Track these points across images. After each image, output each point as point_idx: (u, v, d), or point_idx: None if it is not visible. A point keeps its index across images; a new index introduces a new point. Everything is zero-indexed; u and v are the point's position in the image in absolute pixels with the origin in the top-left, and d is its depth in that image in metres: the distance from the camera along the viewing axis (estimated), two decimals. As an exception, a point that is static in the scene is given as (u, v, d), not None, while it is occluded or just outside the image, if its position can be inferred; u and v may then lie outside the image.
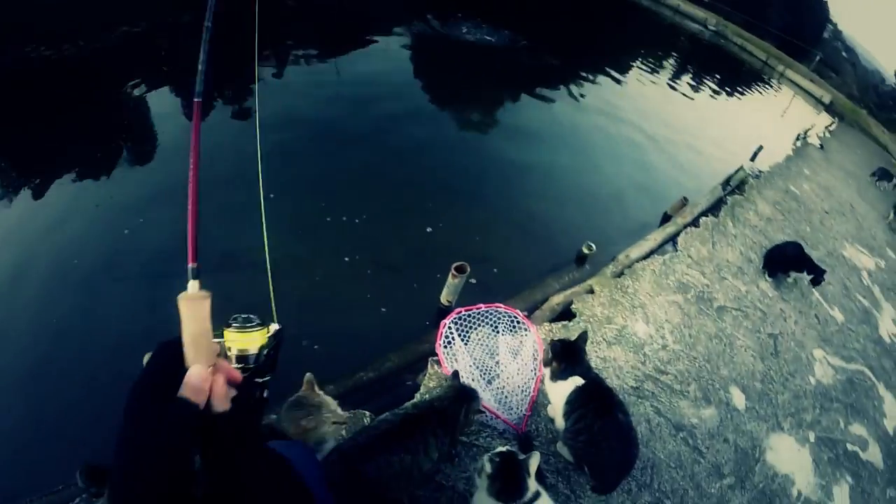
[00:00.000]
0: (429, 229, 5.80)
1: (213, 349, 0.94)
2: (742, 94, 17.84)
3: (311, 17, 11.36)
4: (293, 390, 2.57)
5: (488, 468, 2.50)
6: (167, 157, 6.12)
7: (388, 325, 4.67)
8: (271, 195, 5.19)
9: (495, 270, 5.49)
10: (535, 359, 4.02)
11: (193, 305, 0.93)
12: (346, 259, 5.21)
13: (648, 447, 3.79)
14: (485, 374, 3.87)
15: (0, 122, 6.50)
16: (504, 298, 4.67)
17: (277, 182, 5.64)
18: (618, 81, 13.58)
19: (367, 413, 3.41)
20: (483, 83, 10.73)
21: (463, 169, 7.26)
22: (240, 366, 1.08)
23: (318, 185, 6.11)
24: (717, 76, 18.33)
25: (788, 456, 4.34)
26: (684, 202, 7.38)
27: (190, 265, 1.00)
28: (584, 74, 12.89)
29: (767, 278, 6.34)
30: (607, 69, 13.72)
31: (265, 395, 1.17)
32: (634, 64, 15.65)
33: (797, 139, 13.18)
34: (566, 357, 3.30)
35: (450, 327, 4.02)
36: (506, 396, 3.72)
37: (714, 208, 7.74)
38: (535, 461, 2.54)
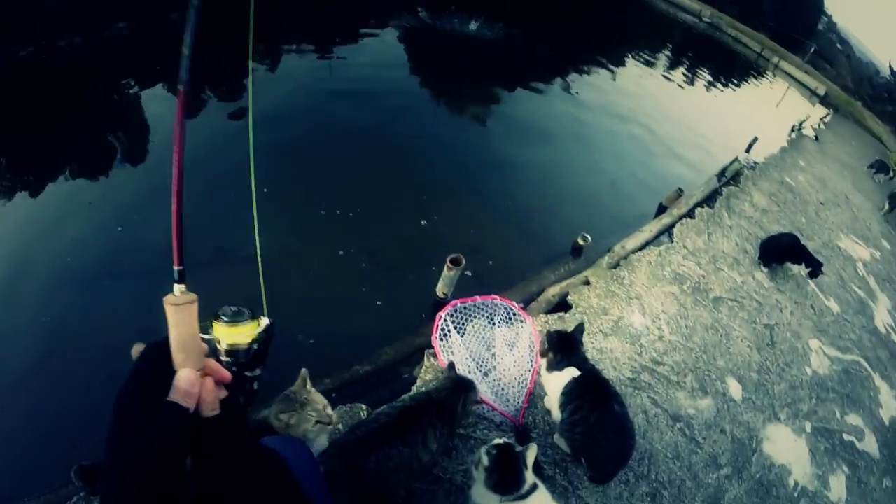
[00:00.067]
0: (423, 222, 5.78)
1: (201, 352, 0.92)
2: (737, 85, 17.87)
3: (304, 11, 11.28)
4: (288, 385, 2.56)
5: (485, 461, 2.49)
6: (160, 155, 6.06)
7: (384, 319, 4.66)
8: (265, 189, 5.16)
9: (490, 262, 5.47)
10: (532, 350, 4.00)
11: (180, 310, 0.90)
12: (341, 252, 5.18)
13: (645, 438, 3.79)
14: (481, 366, 3.86)
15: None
16: (500, 290, 4.65)
17: (271, 176, 5.61)
18: (612, 73, 13.57)
19: (364, 406, 3.39)
20: (477, 76, 10.69)
21: (457, 161, 7.23)
22: (230, 359, 1.06)
23: (311, 179, 6.08)
24: (712, 68, 18.35)
25: (785, 446, 4.35)
26: (679, 193, 7.37)
27: (175, 268, 0.96)
28: (577, 66, 12.87)
29: (763, 269, 6.34)
30: (601, 61, 13.70)
31: (255, 387, 1.15)
32: (629, 56, 15.63)
33: (792, 130, 13.19)
34: (562, 348, 3.29)
35: (446, 320, 4.00)
36: (502, 388, 3.71)
37: (709, 199, 7.73)
38: (532, 453, 2.53)
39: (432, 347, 3.85)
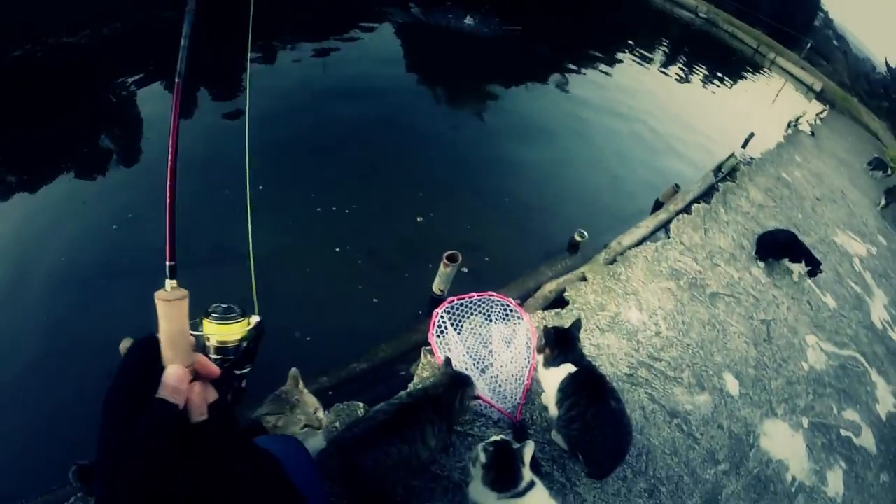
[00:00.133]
0: (420, 219, 5.76)
1: (190, 348, 0.91)
2: (733, 81, 17.88)
3: (297, 9, 11.25)
4: (282, 383, 2.55)
5: (482, 458, 2.49)
6: (155, 153, 6.02)
7: (381, 316, 4.64)
8: (260, 187, 5.14)
9: (487, 259, 5.45)
10: (529, 347, 4.00)
11: (171, 305, 0.89)
12: (337, 250, 5.16)
13: (643, 434, 3.79)
14: (478, 363, 3.85)
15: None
16: (496, 287, 4.63)
17: (267, 174, 5.58)
18: (609, 70, 13.55)
19: (361, 404, 3.38)
20: (472, 72, 10.67)
21: (453, 158, 7.22)
22: (219, 357, 1.05)
23: (307, 176, 6.06)
24: (708, 64, 18.35)
25: (782, 441, 4.35)
26: (676, 189, 7.37)
27: (167, 263, 0.96)
28: (573, 62, 12.85)
29: (759, 264, 6.34)
30: (597, 57, 13.70)
31: (244, 386, 1.14)
32: (625, 51, 15.62)
33: (788, 126, 13.22)
34: (559, 344, 3.28)
35: (442, 317, 4.00)
36: (500, 385, 3.70)
37: (706, 195, 7.73)
38: (529, 450, 2.52)
39: (429, 344, 3.84)
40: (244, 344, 1.09)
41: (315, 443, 2.54)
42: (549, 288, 4.91)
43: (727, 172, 8.58)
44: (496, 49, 12.23)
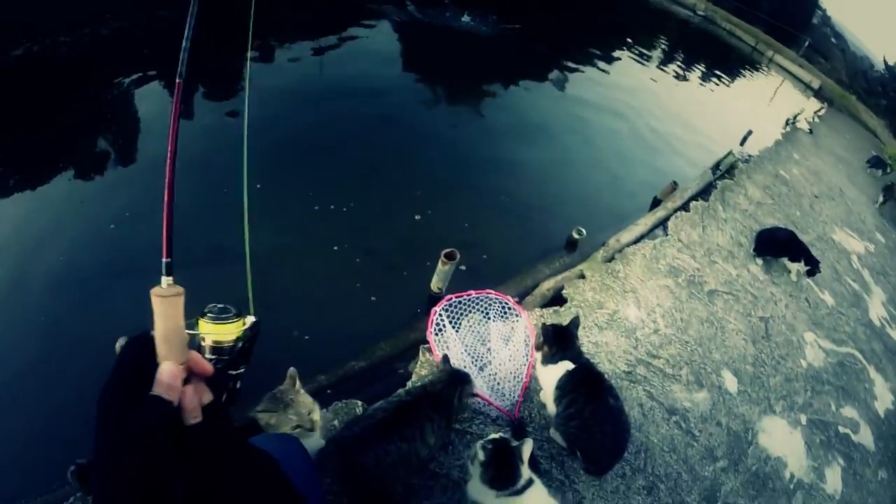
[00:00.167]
0: (417, 217, 5.75)
1: (185, 345, 0.91)
2: (731, 79, 17.86)
3: (294, 8, 11.23)
4: (280, 382, 2.55)
5: (481, 456, 2.49)
6: (152, 153, 6.00)
7: (379, 314, 4.64)
8: (258, 185, 5.14)
9: (485, 257, 5.45)
10: (527, 345, 4.00)
11: (167, 302, 0.90)
12: (336, 248, 5.16)
13: (641, 431, 3.79)
14: (476, 360, 3.85)
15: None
16: (495, 284, 4.64)
17: (265, 173, 5.58)
18: (606, 67, 13.53)
19: (360, 403, 3.38)
20: (470, 71, 10.65)
21: (451, 156, 7.21)
22: (214, 357, 1.06)
23: (305, 175, 6.04)
24: (707, 61, 18.35)
25: (781, 438, 4.36)
26: (674, 186, 7.37)
27: (164, 260, 0.96)
28: (572, 61, 12.83)
29: (757, 261, 6.34)
30: (596, 55, 13.68)
31: (238, 386, 1.15)
32: (623, 49, 15.60)
33: (786, 124, 13.23)
34: (557, 341, 3.28)
35: (440, 314, 4.00)
36: (498, 383, 3.70)
37: (704, 192, 7.73)
38: (527, 448, 2.53)
39: (427, 342, 3.84)
40: (240, 344, 1.10)
41: (314, 442, 2.55)
42: (548, 286, 4.91)
43: (725, 170, 8.59)
44: (494, 48, 12.22)
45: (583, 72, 12.50)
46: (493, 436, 2.62)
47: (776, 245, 6.34)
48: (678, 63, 16.94)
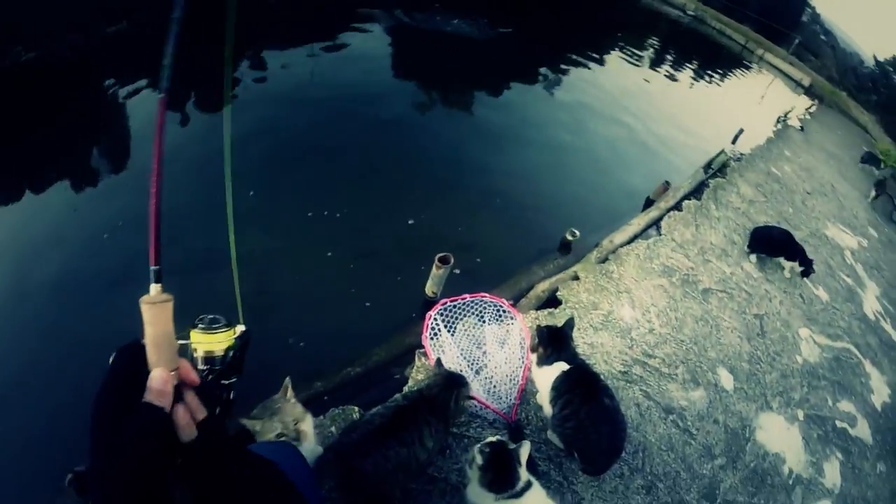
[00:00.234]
0: (411, 221, 5.75)
1: (175, 351, 0.92)
2: (722, 78, 17.91)
3: (286, 15, 11.24)
4: (276, 390, 2.55)
5: (479, 460, 2.49)
6: (145, 159, 6.01)
7: (374, 319, 4.63)
8: (251, 193, 5.14)
9: (479, 260, 5.45)
10: (523, 347, 4.00)
11: (155, 309, 0.90)
12: (329, 254, 5.16)
13: (639, 431, 3.80)
14: (472, 364, 3.85)
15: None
16: (489, 287, 4.64)
17: (258, 180, 5.59)
18: (598, 68, 13.56)
19: (357, 408, 3.38)
20: (461, 74, 10.66)
21: (443, 160, 7.21)
22: (206, 367, 1.06)
23: (298, 181, 6.03)
24: (697, 61, 18.42)
25: (778, 434, 4.37)
26: (666, 186, 7.39)
27: (152, 267, 0.97)
28: (563, 61, 12.87)
29: (751, 258, 6.36)
30: (587, 56, 13.69)
31: (231, 397, 1.15)
32: (614, 50, 15.64)
33: (777, 122, 13.27)
34: (552, 342, 3.29)
35: (435, 319, 4.00)
36: (494, 386, 3.71)
37: (696, 192, 7.76)
38: (525, 450, 2.53)
39: (423, 347, 3.85)
40: (231, 353, 1.10)
41: (312, 450, 2.55)
42: (542, 288, 4.92)
43: (717, 169, 8.61)
44: (486, 51, 12.22)
45: (574, 73, 12.53)
46: (490, 439, 2.62)
47: (772, 244, 6.37)
48: (669, 63, 16.99)
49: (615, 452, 3.15)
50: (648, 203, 7.28)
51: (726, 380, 4.60)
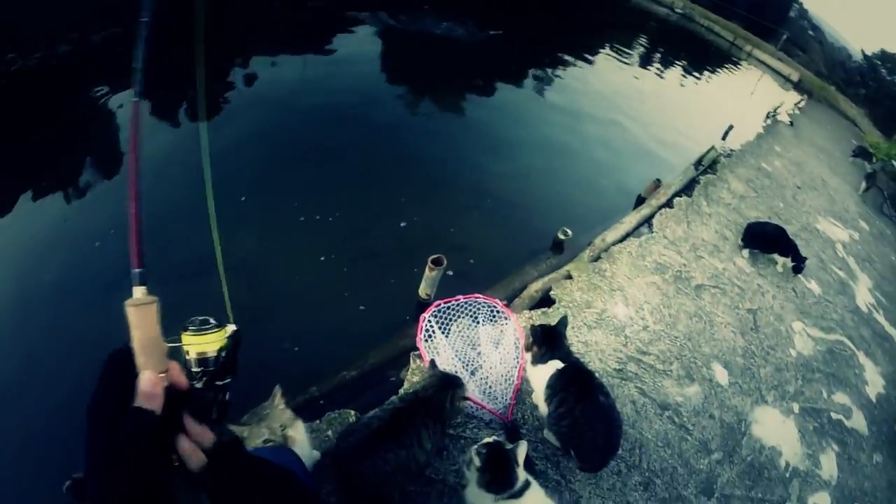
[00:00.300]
0: (403, 223, 5.76)
1: (163, 354, 0.92)
2: (711, 74, 18.00)
3: (275, 20, 11.24)
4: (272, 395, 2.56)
5: (477, 461, 2.49)
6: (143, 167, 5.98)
7: (368, 323, 4.63)
8: (243, 198, 5.14)
9: (472, 261, 5.46)
10: (517, 347, 4.01)
11: (141, 311, 0.91)
12: (322, 258, 5.16)
13: (635, 428, 3.80)
14: (467, 365, 3.85)
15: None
16: (482, 288, 4.65)
17: (250, 185, 5.60)
18: (588, 68, 13.63)
19: (353, 412, 3.37)
20: (450, 75, 10.67)
21: (434, 162, 7.22)
22: (200, 369, 1.06)
23: (289, 186, 6.02)
24: (686, 58, 18.49)
25: (774, 428, 4.39)
26: (657, 184, 7.41)
27: (135, 270, 0.97)
28: (552, 61, 12.90)
29: (743, 254, 6.38)
30: (576, 55, 13.74)
31: (227, 398, 1.15)
32: (603, 49, 15.70)
33: (767, 117, 13.33)
34: (546, 341, 3.30)
35: (429, 321, 4.00)
36: (490, 386, 3.71)
37: (687, 188, 7.80)
38: (522, 450, 2.53)
39: (418, 349, 3.84)
40: (223, 353, 1.10)
41: (309, 455, 2.55)
42: (535, 287, 4.93)
43: (708, 165, 8.65)
44: (477, 53, 12.24)
45: (565, 73, 12.57)
46: (487, 440, 2.62)
47: (765, 240, 6.39)
48: (658, 61, 17.06)
49: (611, 449, 3.16)
50: (640, 201, 7.31)
51: (721, 375, 4.62)
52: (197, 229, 4.88)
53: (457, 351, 3.92)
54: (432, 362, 3.27)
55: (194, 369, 1.06)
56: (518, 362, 3.87)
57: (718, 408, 4.29)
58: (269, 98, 7.95)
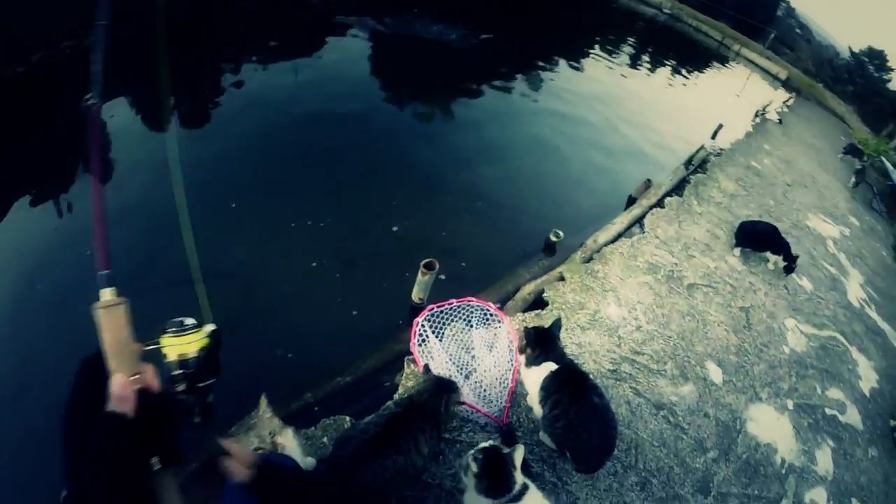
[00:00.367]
0: (395, 228, 5.75)
1: (133, 356, 0.91)
2: (700, 74, 18.08)
3: (265, 25, 11.24)
4: (267, 400, 2.55)
5: (474, 467, 2.48)
6: (125, 173, 5.94)
7: (362, 328, 4.62)
8: (233, 204, 5.13)
9: (464, 264, 5.45)
10: (511, 350, 4.01)
11: (109, 313, 0.90)
12: (314, 264, 5.14)
13: (630, 428, 3.81)
14: (462, 369, 3.85)
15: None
16: (475, 292, 4.65)
17: (240, 191, 5.59)
18: (576, 68, 13.69)
19: (348, 418, 3.36)
20: (440, 78, 10.68)
21: (425, 166, 7.22)
22: (181, 371, 1.06)
23: (279, 192, 6.01)
24: (674, 58, 18.57)
25: (769, 425, 4.40)
26: (648, 184, 7.44)
27: (102, 272, 0.96)
28: (541, 63, 12.95)
29: (734, 252, 6.40)
30: (565, 56, 13.79)
31: (210, 400, 1.14)
32: (592, 50, 15.77)
33: (756, 115, 13.41)
34: (539, 343, 3.30)
35: (423, 325, 4.00)
36: (484, 390, 3.70)
37: (678, 188, 7.82)
38: (519, 454, 2.53)
39: (411, 354, 3.84)
40: (203, 354, 1.10)
41: (301, 461, 2.54)
42: (528, 290, 4.93)
43: (698, 164, 8.68)
44: (468, 57, 12.27)
45: (554, 74, 12.61)
46: (483, 444, 2.61)
47: (757, 238, 6.41)
48: (647, 61, 17.14)
49: (607, 450, 3.16)
50: (631, 201, 7.33)
51: (715, 373, 4.63)
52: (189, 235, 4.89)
53: (451, 355, 3.91)
54: (426, 367, 3.26)
55: (175, 372, 1.06)
56: (512, 365, 3.87)
57: (713, 406, 4.29)
58: (259, 104, 7.94)
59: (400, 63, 11.13)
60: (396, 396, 3.48)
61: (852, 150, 13.26)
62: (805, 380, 5.08)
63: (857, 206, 10.50)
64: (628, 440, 3.71)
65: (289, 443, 2.52)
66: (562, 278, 5.07)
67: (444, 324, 4.15)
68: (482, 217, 6.37)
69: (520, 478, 2.50)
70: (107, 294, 0.93)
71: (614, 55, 15.96)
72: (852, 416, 5.01)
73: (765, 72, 21.30)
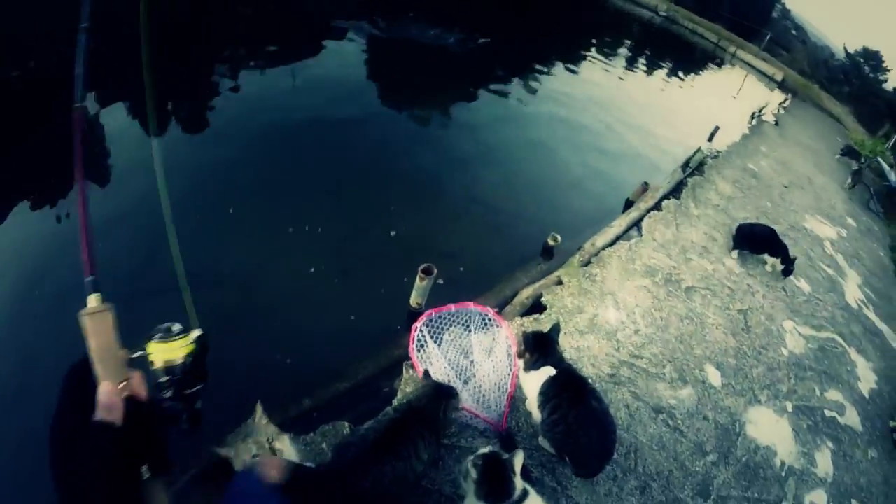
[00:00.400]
0: (393, 233, 5.74)
1: (120, 362, 0.91)
2: (696, 76, 18.13)
3: (262, 23, 11.24)
4: (262, 408, 2.54)
5: (473, 473, 2.48)
6: (122, 176, 5.90)
7: (360, 333, 4.59)
8: (231, 210, 5.11)
9: (462, 269, 5.44)
10: (510, 355, 4.00)
11: (94, 320, 0.89)
12: (312, 270, 5.13)
13: (630, 432, 3.80)
14: (460, 374, 3.84)
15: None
16: (473, 296, 4.64)
17: (237, 197, 5.58)
18: (572, 71, 13.71)
19: (347, 424, 3.35)
20: (437, 82, 10.69)
21: (423, 170, 7.20)
22: (168, 377, 1.05)
23: (276, 198, 5.99)
24: (671, 60, 18.63)
25: (768, 427, 4.40)
26: (645, 187, 7.45)
27: (87, 278, 0.96)
28: (538, 66, 12.97)
29: (732, 255, 6.41)
30: (561, 60, 13.82)
31: (198, 406, 1.13)
32: (588, 53, 15.80)
33: (752, 117, 13.43)
34: (538, 347, 3.30)
35: (421, 330, 3.98)
36: (483, 395, 3.69)
37: (675, 191, 7.83)
38: (518, 459, 2.52)
39: (410, 359, 3.83)
40: (190, 359, 1.09)
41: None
42: (526, 294, 4.93)
43: (695, 167, 8.70)
44: (465, 61, 12.26)
45: (551, 78, 12.63)
46: (482, 450, 2.61)
47: (755, 241, 6.42)
48: (643, 64, 17.18)
49: (606, 454, 3.16)
50: (628, 204, 7.34)
51: (714, 376, 4.63)
52: (188, 240, 4.89)
53: (449, 360, 3.90)
54: (426, 372, 3.26)
55: (161, 379, 1.05)
56: (511, 370, 3.86)
57: (712, 409, 4.29)
58: (257, 109, 7.92)
59: (397, 67, 11.13)
60: (395, 402, 3.48)
61: (849, 152, 13.30)
62: (804, 382, 5.08)
63: (853, 207, 10.53)
64: (627, 444, 3.71)
65: (286, 448, 2.51)
66: (560, 282, 5.07)
67: (442, 329, 4.13)
68: (480, 221, 6.36)
69: (519, 483, 2.50)
70: (93, 300, 0.93)
71: (611, 58, 16.01)
72: (851, 418, 5.02)
73: (761, 73, 21.37)
